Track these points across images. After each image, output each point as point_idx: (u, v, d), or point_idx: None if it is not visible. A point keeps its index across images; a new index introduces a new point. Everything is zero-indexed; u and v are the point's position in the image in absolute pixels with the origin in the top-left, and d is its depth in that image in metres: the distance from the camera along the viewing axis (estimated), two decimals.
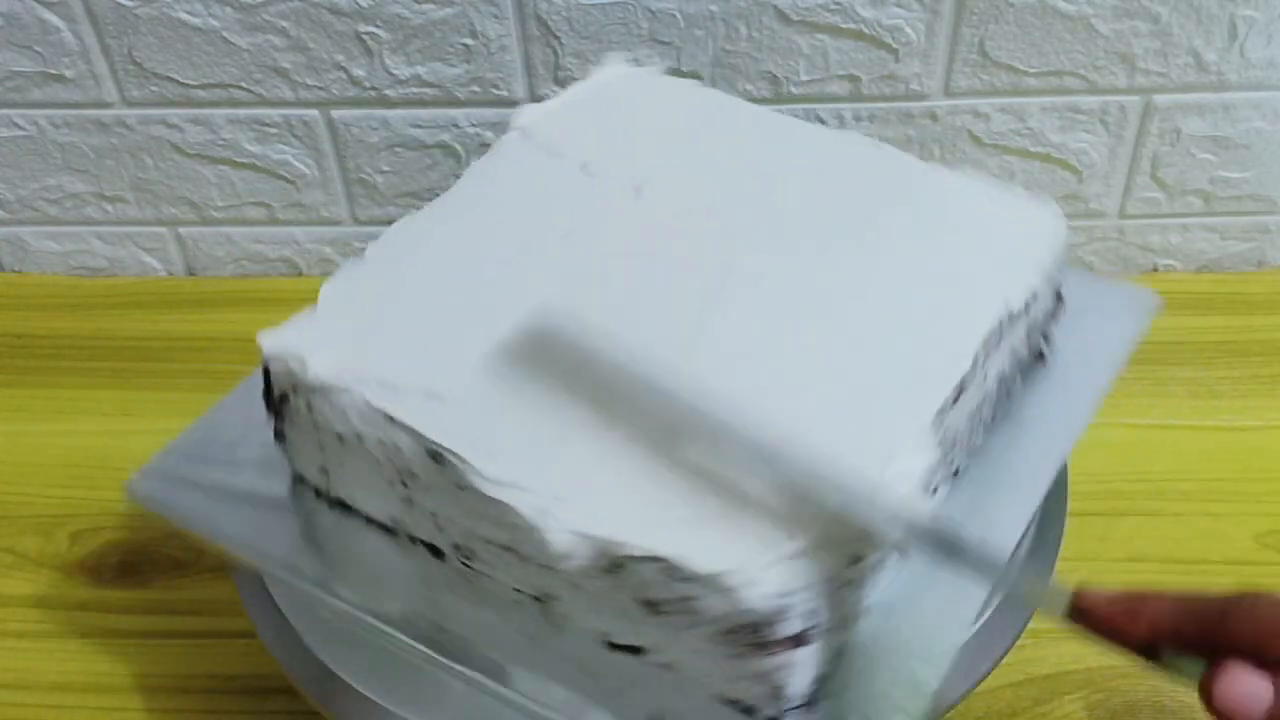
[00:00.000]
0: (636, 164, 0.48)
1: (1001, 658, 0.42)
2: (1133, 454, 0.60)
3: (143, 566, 0.57)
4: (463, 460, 0.37)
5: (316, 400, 0.40)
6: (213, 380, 0.66)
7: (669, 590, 0.36)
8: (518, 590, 0.40)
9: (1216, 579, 0.55)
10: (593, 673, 0.39)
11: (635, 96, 0.52)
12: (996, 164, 0.67)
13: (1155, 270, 0.71)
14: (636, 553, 0.35)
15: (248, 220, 0.71)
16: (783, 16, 0.61)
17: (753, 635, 0.35)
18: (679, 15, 0.61)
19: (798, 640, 0.35)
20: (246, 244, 0.72)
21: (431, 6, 0.61)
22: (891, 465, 0.37)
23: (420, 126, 0.66)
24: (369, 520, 0.43)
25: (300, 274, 0.73)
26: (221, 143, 0.67)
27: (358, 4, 0.61)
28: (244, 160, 0.68)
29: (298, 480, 0.45)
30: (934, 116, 0.65)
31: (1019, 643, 0.42)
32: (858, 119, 0.65)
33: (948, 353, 0.40)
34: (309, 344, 0.41)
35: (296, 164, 0.68)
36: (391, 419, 0.39)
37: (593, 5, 0.61)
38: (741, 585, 0.34)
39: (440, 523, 0.40)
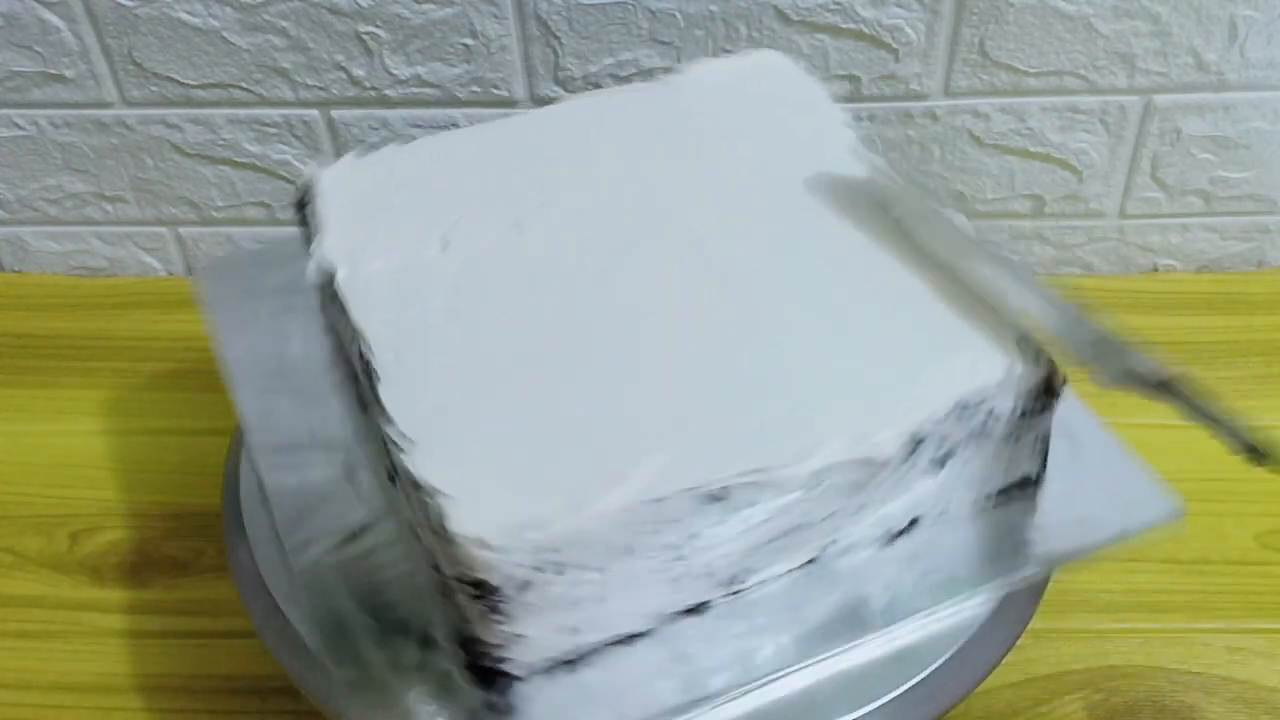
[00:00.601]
0: (490, 215, 0.45)
1: (1001, 658, 0.41)
2: None
3: (142, 566, 0.57)
4: (764, 470, 0.36)
5: (573, 553, 0.36)
6: (212, 380, 0.66)
7: (966, 426, 0.39)
8: (789, 571, 0.40)
9: (1217, 579, 0.55)
10: (866, 583, 0.41)
11: (403, 171, 0.48)
12: (996, 164, 0.67)
13: (1155, 270, 0.71)
14: (941, 413, 0.38)
15: (248, 220, 0.71)
16: (783, 16, 0.61)
17: (1043, 401, 0.40)
18: (679, 15, 0.61)
19: (1065, 380, 0.40)
20: (247, 244, 0.72)
21: (431, 6, 0.61)
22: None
23: (420, 126, 0.66)
24: (624, 641, 0.39)
25: None
26: (221, 143, 0.67)
27: (358, 4, 0.61)
28: (244, 160, 0.68)
29: (517, 681, 0.38)
30: (934, 117, 0.65)
31: (1019, 643, 0.42)
32: (857, 119, 0.65)
33: (879, 173, 0.46)
34: (534, 507, 0.35)
35: (296, 164, 0.68)
36: (660, 500, 0.36)
37: (593, 5, 0.61)
38: (1025, 366, 0.39)
39: (713, 567, 0.38)
